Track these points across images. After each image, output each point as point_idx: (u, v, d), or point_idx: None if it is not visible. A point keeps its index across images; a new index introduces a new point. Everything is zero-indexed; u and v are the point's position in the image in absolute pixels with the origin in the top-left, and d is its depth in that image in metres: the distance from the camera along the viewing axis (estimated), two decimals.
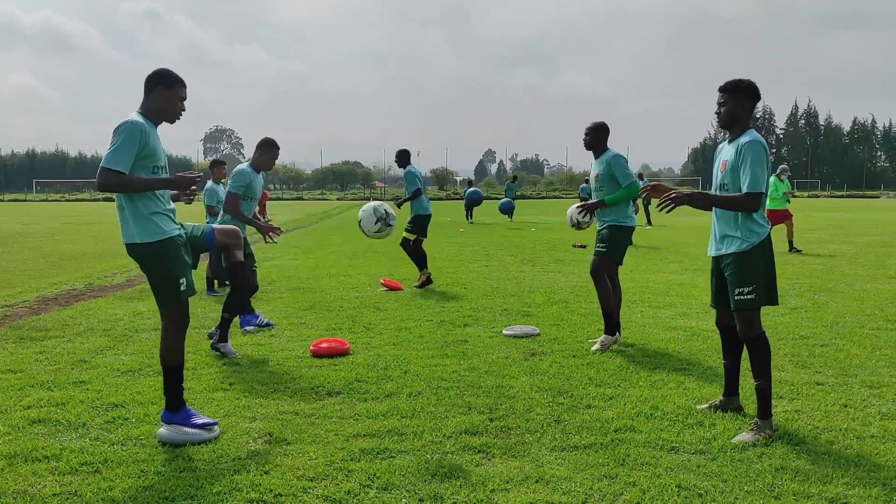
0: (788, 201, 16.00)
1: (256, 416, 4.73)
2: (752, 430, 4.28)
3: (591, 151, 6.81)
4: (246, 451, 4.11)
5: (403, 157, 10.82)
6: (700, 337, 6.99)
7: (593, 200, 6.74)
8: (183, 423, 4.30)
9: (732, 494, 3.50)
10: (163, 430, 4.28)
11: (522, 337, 7.09)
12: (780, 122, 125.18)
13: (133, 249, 4.31)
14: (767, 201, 17.51)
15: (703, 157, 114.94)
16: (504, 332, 7.29)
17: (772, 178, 15.93)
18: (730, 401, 4.76)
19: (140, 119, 4.22)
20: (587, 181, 32.99)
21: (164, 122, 4.42)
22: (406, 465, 3.89)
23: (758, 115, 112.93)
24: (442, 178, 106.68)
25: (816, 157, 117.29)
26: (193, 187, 4.37)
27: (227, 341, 6.38)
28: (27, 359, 6.28)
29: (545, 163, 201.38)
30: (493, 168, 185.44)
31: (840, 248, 15.89)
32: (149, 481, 3.69)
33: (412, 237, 10.56)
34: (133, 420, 4.66)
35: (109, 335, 7.25)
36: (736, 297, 4.35)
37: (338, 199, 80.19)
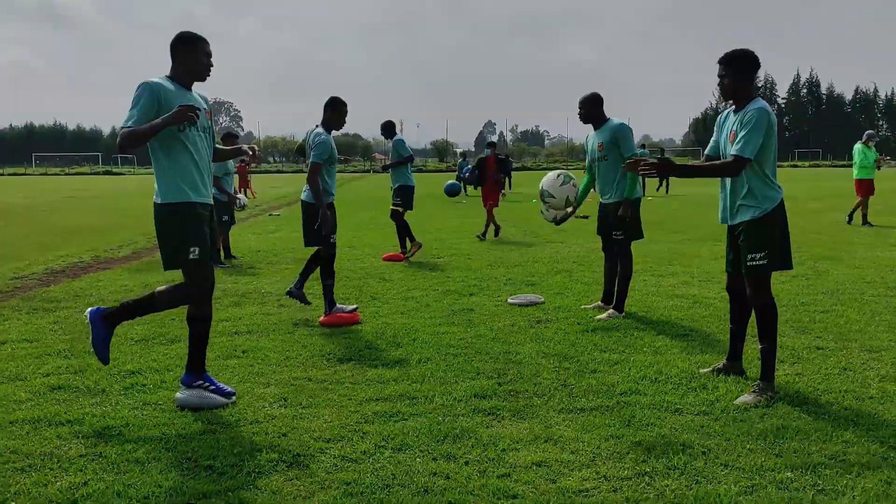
0: (879, 168, 15.59)
1: (270, 382, 4.85)
2: (754, 391, 4.39)
3: (589, 124, 6.86)
4: (263, 414, 4.24)
5: (390, 128, 11.00)
6: (702, 304, 7.10)
7: (599, 182, 6.79)
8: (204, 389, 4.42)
9: (735, 452, 3.62)
10: (181, 395, 4.40)
11: (527, 305, 7.20)
12: (783, 91, 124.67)
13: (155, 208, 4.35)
14: (857, 170, 16.27)
15: (704, 127, 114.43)
16: (509, 300, 7.40)
17: (859, 146, 15.38)
18: (732, 365, 4.87)
19: (157, 80, 4.23)
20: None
21: (196, 82, 4.44)
22: (419, 427, 4.01)
23: (759, 84, 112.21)
24: (442, 150, 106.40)
25: (818, 126, 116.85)
26: (191, 114, 4.12)
27: (334, 304, 6.74)
28: (42, 328, 6.40)
29: (545, 134, 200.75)
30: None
31: (842, 218, 15.94)
32: (171, 444, 3.81)
33: (401, 209, 10.68)
34: (150, 386, 4.78)
35: None
36: (748, 263, 4.44)
37: (338, 172, 79.83)
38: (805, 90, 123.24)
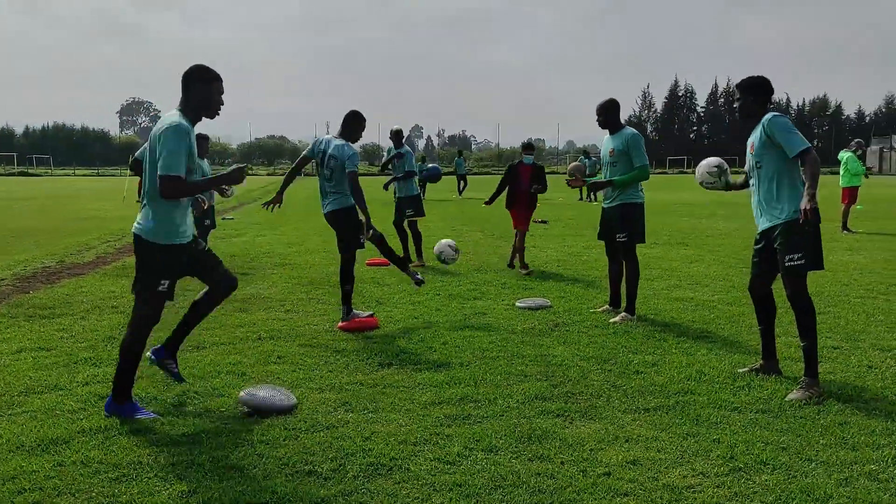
0: (867, 177, 15.66)
1: (323, 388, 4.82)
2: (801, 388, 4.63)
3: (605, 130, 7.06)
4: (334, 419, 4.21)
5: (398, 137, 10.98)
6: (705, 307, 7.37)
7: (602, 180, 7.00)
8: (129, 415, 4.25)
9: (813, 448, 3.81)
10: (246, 395, 4.34)
11: (537, 309, 7.31)
12: (702, 100, 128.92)
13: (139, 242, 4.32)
14: (847, 178, 16.02)
15: None
16: (517, 304, 7.51)
17: (849, 155, 15.35)
18: (769, 364, 5.11)
19: (183, 120, 4.21)
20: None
21: (203, 118, 4.41)
22: (498, 428, 4.07)
23: (680, 94, 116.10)
24: (372, 154, 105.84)
25: (734, 135, 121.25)
26: (244, 175, 4.45)
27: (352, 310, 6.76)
28: (51, 336, 6.16)
29: (472, 139, 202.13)
30: (421, 144, 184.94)
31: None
32: (258, 450, 3.76)
33: (417, 219, 10.70)
34: (202, 394, 4.68)
35: (121, 312, 7.13)
36: (786, 264, 4.70)
37: (267, 175, 78.56)
38: (722, 99, 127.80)
